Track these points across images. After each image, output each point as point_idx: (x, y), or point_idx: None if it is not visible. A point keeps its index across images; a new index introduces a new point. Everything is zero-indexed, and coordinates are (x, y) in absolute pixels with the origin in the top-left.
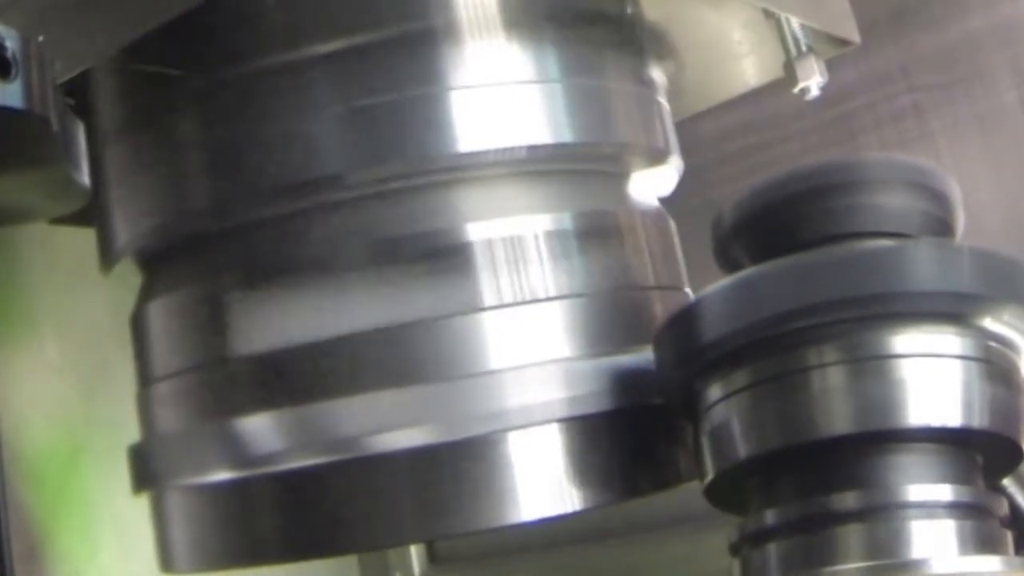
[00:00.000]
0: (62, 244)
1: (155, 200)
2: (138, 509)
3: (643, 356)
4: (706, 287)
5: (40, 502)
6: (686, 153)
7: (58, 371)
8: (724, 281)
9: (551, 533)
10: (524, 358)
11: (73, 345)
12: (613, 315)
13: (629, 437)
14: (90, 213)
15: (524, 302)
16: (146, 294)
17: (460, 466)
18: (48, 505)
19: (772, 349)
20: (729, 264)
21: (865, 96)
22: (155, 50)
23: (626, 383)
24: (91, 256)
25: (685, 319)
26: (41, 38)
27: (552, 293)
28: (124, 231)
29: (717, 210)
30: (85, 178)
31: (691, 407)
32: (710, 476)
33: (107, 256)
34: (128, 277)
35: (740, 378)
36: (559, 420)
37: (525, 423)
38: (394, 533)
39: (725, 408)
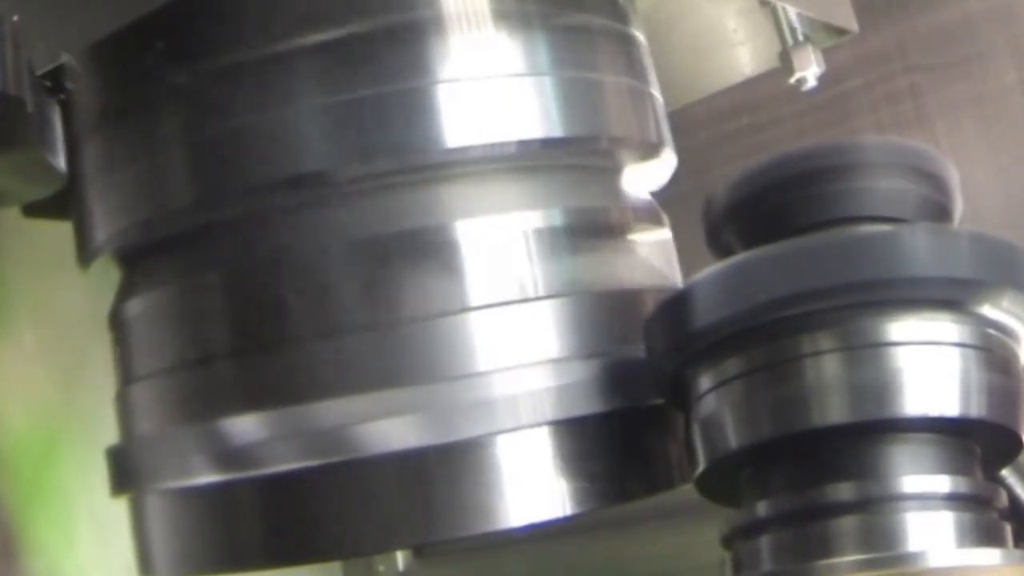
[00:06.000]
0: (39, 230)
1: (134, 196)
2: (116, 501)
3: (635, 357)
4: (698, 273)
5: (15, 494)
6: (678, 136)
7: (34, 360)
8: (715, 267)
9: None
10: (513, 359)
11: (50, 334)
12: (605, 315)
13: (621, 439)
14: (67, 207)
15: (513, 301)
16: (125, 292)
17: (448, 470)
18: (24, 497)
19: (765, 337)
20: (721, 249)
21: (861, 77)
22: (136, 42)
23: (618, 384)
24: (69, 243)
25: (675, 306)
26: (16, 17)
27: (542, 292)
28: (102, 228)
29: (709, 194)
30: (61, 162)
31: (682, 396)
32: (701, 467)
33: (85, 253)
34: (107, 266)
35: (732, 366)
36: (549, 423)
37: (515, 426)
38: (381, 538)
39: (716, 397)
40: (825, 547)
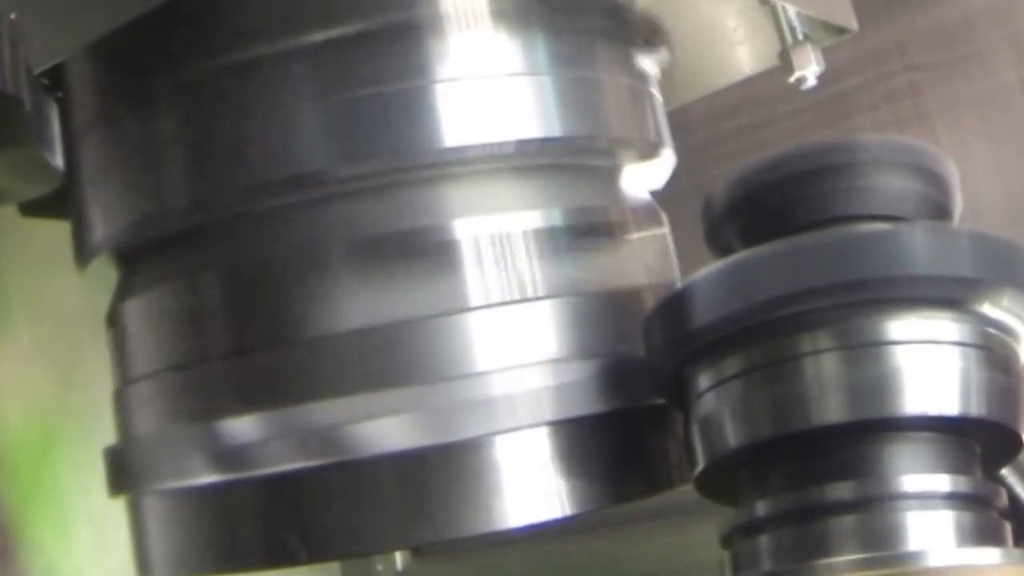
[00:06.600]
0: (36, 228)
1: (132, 195)
2: (114, 500)
3: (635, 357)
4: (697, 271)
5: (13, 493)
6: (677, 134)
7: (31, 359)
8: (715, 265)
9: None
10: (512, 359)
11: (47, 332)
12: (604, 315)
13: (620, 440)
14: (65, 206)
15: (512, 301)
16: (123, 291)
17: (447, 470)
18: (21, 497)
19: (764, 335)
20: (720, 248)
21: (860, 75)
22: (134, 41)
23: (617, 384)
24: (65, 240)
25: (675, 305)
26: (13, 15)
27: (541, 292)
28: (100, 227)
29: (708, 192)
30: (59, 160)
31: (681, 395)
32: (700, 466)
33: (83, 252)
34: (104, 265)
35: (731, 365)
36: (548, 423)
37: (514, 426)
38: (380, 538)
39: (716, 396)
40: (824, 546)
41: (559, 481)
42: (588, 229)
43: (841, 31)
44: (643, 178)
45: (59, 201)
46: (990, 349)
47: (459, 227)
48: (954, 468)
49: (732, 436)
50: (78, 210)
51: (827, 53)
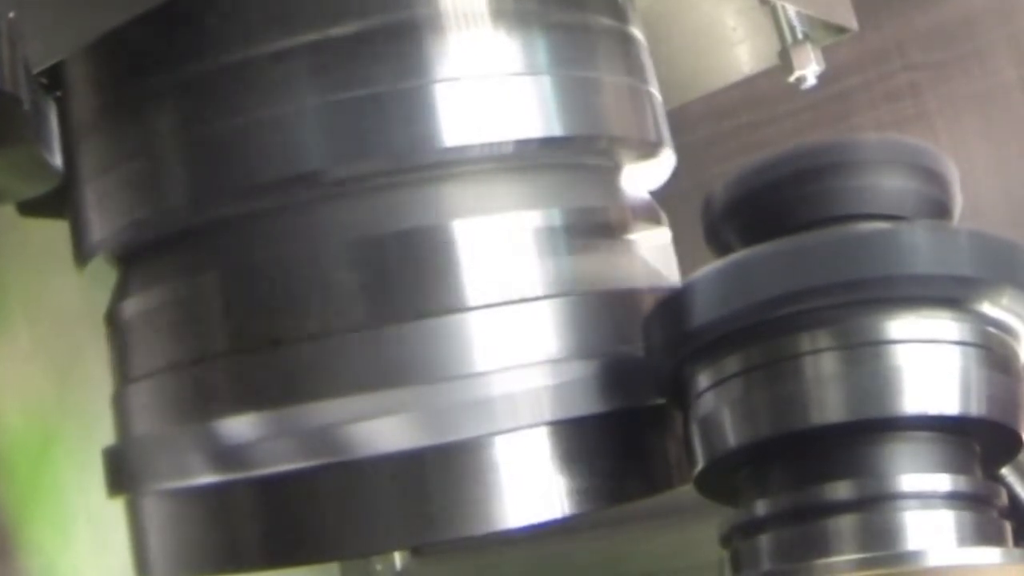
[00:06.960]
0: (35, 227)
1: (131, 195)
2: (113, 499)
3: (634, 357)
4: (696, 271)
5: (11, 493)
6: (677, 134)
7: (30, 358)
8: (714, 265)
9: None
10: (512, 359)
11: (46, 331)
12: (604, 315)
13: (619, 440)
14: (64, 205)
15: (512, 301)
16: (122, 291)
17: (446, 470)
18: (20, 496)
19: (763, 335)
20: (720, 247)
21: (860, 75)
22: (133, 40)
23: (617, 384)
24: (63, 239)
25: (674, 304)
26: (12, 14)
27: (540, 292)
28: (98, 227)
29: (708, 192)
30: (57, 159)
31: (681, 395)
32: (700, 465)
33: (81, 251)
34: (103, 264)
35: (731, 364)
36: (548, 423)
37: (513, 426)
38: (379, 539)
39: (715, 395)
40: (824, 546)
41: (559, 481)
42: (588, 229)
43: (841, 31)
44: (643, 178)
45: (57, 200)
46: (990, 348)
47: (459, 227)
48: (954, 468)
49: (732, 436)
50: (76, 209)
51: (827, 53)
